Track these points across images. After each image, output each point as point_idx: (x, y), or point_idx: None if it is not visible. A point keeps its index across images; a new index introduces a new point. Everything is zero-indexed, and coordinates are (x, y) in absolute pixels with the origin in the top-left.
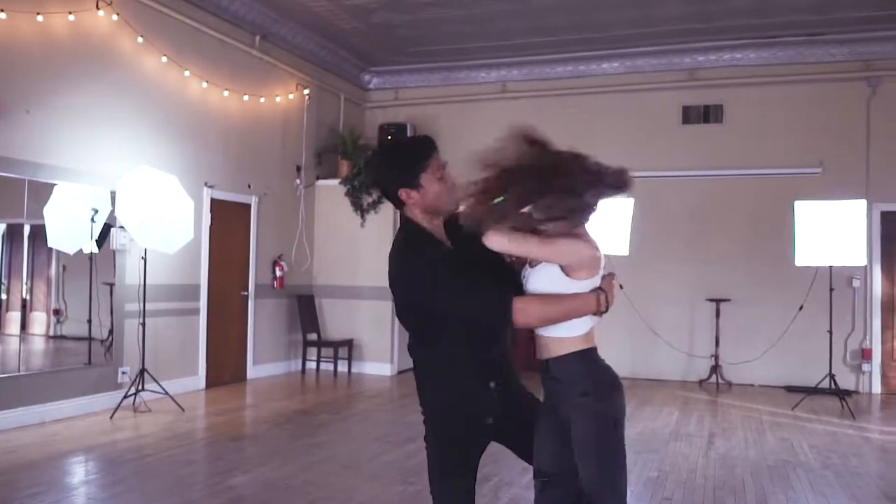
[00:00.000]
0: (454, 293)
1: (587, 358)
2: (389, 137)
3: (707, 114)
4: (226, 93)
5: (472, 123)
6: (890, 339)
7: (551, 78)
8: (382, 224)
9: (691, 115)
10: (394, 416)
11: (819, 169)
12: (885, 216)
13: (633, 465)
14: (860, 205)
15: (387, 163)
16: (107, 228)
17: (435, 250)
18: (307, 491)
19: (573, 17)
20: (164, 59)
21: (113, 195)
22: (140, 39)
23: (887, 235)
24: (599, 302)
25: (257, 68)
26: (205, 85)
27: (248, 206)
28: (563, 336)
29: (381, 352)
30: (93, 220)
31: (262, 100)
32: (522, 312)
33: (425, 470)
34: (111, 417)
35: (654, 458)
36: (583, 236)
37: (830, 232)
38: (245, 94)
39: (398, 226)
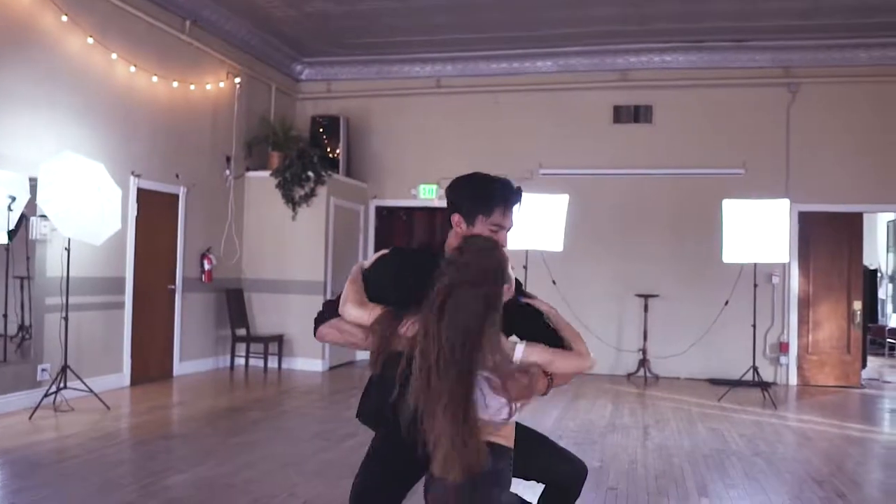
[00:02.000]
0: None
1: None
2: (321, 131)
3: (637, 114)
4: (154, 78)
5: (406, 118)
6: (805, 333)
7: (485, 74)
8: (314, 217)
9: (622, 114)
10: (329, 412)
11: (742, 170)
12: (803, 216)
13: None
14: (784, 204)
15: (467, 188)
16: (21, 218)
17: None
18: (249, 490)
19: (509, 14)
20: (91, 40)
21: (32, 182)
22: (64, 18)
23: (804, 235)
24: None
25: (187, 54)
26: (133, 69)
27: (175, 197)
28: None
29: (312, 347)
30: (10, 208)
31: (193, 87)
32: None
33: None
34: (30, 417)
35: (595, 448)
36: None
37: (756, 230)
38: (175, 80)
39: (328, 217)
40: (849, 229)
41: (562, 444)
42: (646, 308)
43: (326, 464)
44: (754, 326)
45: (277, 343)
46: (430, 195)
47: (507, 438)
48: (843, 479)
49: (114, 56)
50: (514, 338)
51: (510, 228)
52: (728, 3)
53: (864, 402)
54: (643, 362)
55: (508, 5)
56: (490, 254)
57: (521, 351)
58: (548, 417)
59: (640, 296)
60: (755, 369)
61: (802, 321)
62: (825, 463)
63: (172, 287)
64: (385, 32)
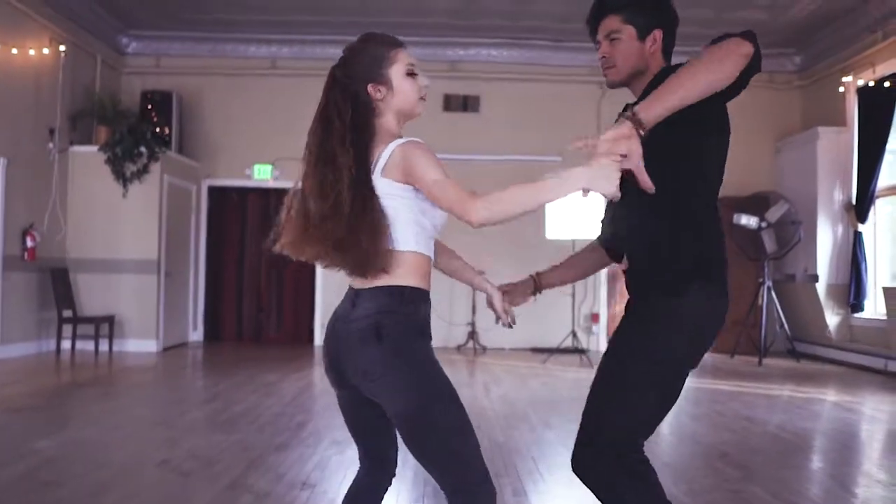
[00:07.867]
0: None
1: None
2: (150, 108)
3: (466, 103)
4: None
5: (240, 97)
6: (613, 305)
7: (321, 59)
8: (148, 194)
9: (452, 103)
10: (181, 382)
11: (559, 158)
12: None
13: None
14: None
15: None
16: None
17: None
18: (126, 445)
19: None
20: None
21: None
22: None
23: None
24: None
25: (7, 14)
26: None
27: None
28: None
29: (145, 328)
30: None
31: (15, 51)
32: None
33: (242, 421)
34: None
35: None
36: None
37: (572, 209)
38: None
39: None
40: None
41: None
42: None
43: (196, 422)
44: (573, 296)
45: (108, 324)
46: (265, 175)
47: None
48: None
49: None
50: None
51: None
52: (548, 6)
53: None
54: (472, 334)
55: None
56: None
57: None
58: None
59: None
60: (574, 334)
61: (611, 294)
62: None
63: None
64: (220, 8)
